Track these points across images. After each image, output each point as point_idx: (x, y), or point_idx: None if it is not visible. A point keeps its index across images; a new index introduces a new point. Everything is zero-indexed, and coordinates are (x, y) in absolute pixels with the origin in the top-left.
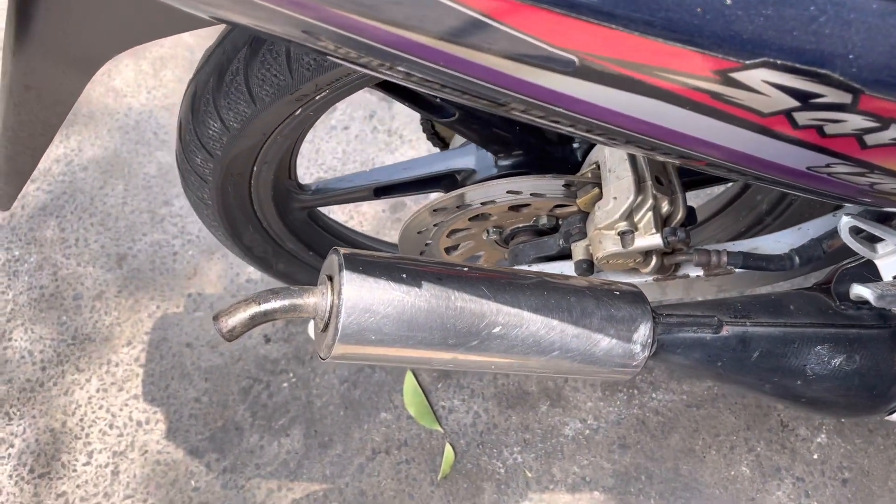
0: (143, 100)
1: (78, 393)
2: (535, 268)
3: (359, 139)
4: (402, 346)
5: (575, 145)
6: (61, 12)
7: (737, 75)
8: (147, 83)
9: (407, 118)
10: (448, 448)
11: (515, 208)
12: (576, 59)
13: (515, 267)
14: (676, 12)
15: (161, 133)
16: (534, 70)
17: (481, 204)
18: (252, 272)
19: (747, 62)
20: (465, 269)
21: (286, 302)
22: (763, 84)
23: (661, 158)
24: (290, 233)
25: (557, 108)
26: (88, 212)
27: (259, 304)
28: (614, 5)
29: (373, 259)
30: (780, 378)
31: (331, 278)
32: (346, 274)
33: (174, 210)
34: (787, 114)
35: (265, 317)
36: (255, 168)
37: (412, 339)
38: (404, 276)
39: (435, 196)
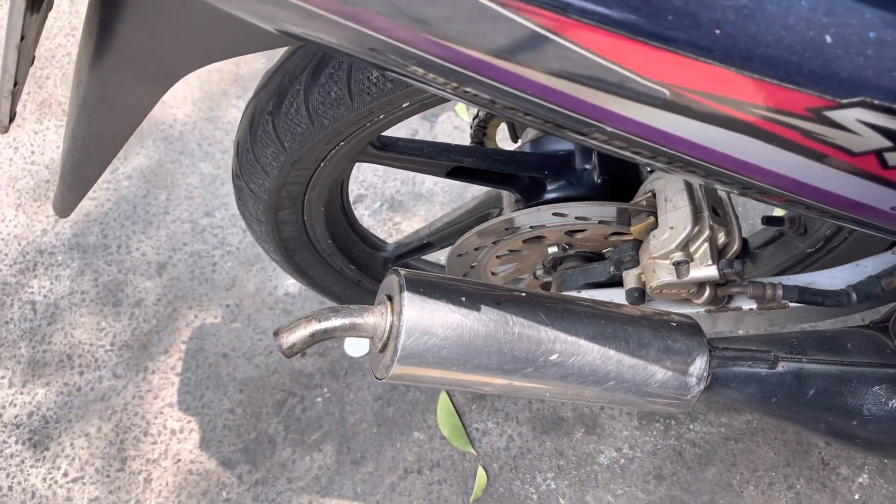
0: (188, 111)
1: (114, 399)
2: (584, 294)
3: None
4: (458, 370)
5: (589, 166)
6: (144, 28)
7: (831, 114)
8: (192, 95)
9: (448, 138)
10: (481, 471)
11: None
12: (667, 92)
13: (568, 293)
14: (775, 49)
15: (205, 144)
16: (623, 101)
17: (530, 228)
18: (290, 285)
19: (843, 101)
20: (523, 294)
21: (346, 321)
22: (857, 123)
23: (738, 193)
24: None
25: (642, 140)
26: (131, 220)
27: (319, 321)
28: (712, 41)
29: (433, 281)
30: (836, 417)
31: (390, 298)
32: (406, 295)
33: (215, 221)
34: (878, 153)
35: (325, 334)
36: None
37: (469, 364)
38: (463, 299)
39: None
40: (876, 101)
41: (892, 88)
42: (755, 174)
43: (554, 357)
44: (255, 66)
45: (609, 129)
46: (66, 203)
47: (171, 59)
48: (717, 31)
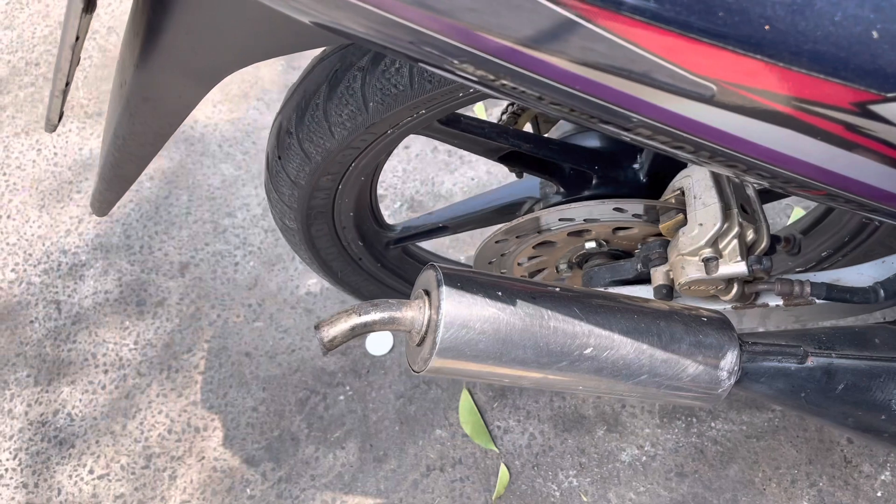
0: (209, 112)
1: (138, 397)
2: (611, 291)
3: (419, 158)
4: (494, 363)
5: (636, 166)
6: (192, 28)
7: (876, 107)
8: (212, 96)
9: None
10: (503, 468)
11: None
12: (715, 88)
13: (602, 290)
14: (823, 45)
15: (225, 146)
16: (670, 97)
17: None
18: (312, 284)
19: (889, 94)
20: (558, 289)
21: (385, 314)
22: None
23: (776, 187)
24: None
25: (687, 135)
26: (153, 220)
27: (360, 315)
28: (761, 36)
29: (469, 276)
30: (865, 412)
31: (427, 293)
32: (444, 289)
33: (237, 221)
34: None
35: (364, 328)
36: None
37: (505, 357)
38: (500, 293)
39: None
40: None
41: None
42: (797, 168)
43: (588, 351)
44: (275, 68)
45: (655, 123)
46: (104, 202)
47: (217, 59)
48: (767, 27)
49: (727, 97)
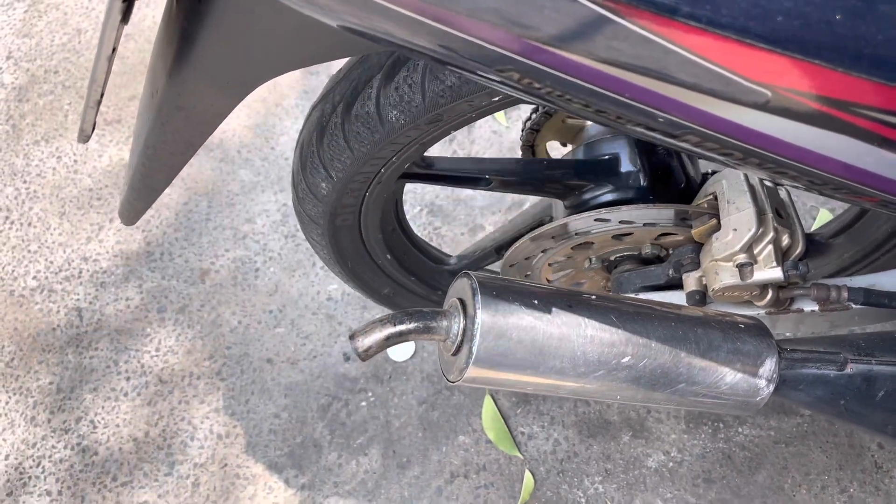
0: (227, 119)
1: (160, 404)
2: (641, 297)
3: None
4: (531, 373)
5: (635, 168)
6: (227, 36)
7: None
8: None
9: (486, 143)
10: (528, 475)
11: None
12: (769, 94)
13: (637, 296)
14: (886, 49)
15: (244, 151)
16: (721, 103)
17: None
18: (333, 290)
19: None
20: (594, 297)
21: (420, 324)
22: None
23: (826, 193)
24: None
25: (736, 142)
26: (173, 227)
27: (395, 325)
28: (821, 41)
29: (505, 284)
30: None
31: (462, 302)
32: (480, 298)
33: (256, 227)
34: None
35: (399, 337)
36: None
37: (542, 366)
38: (535, 301)
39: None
40: None
41: None
42: (851, 174)
43: (626, 360)
44: (293, 74)
45: (704, 131)
46: (133, 211)
47: (252, 68)
48: (827, 32)
49: (782, 103)
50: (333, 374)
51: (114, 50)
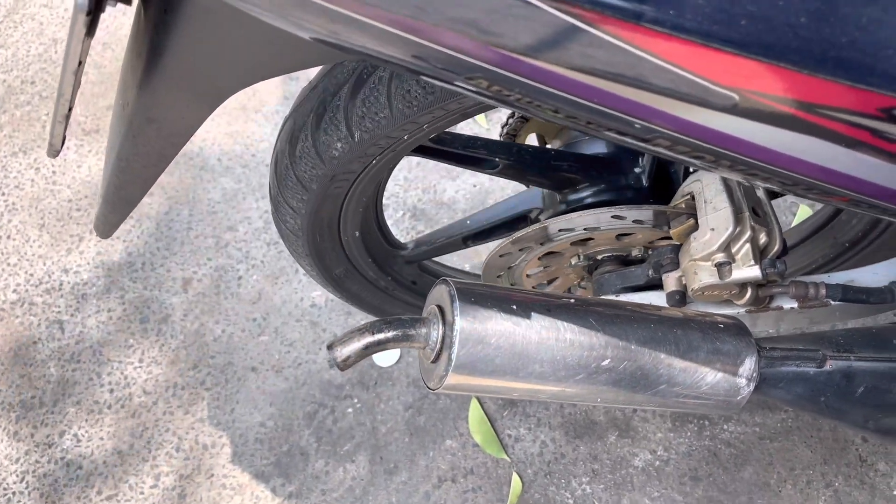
0: (207, 126)
1: (145, 416)
2: (622, 298)
3: (420, 166)
4: (511, 378)
5: (637, 170)
6: (197, 47)
7: None
8: None
9: None
10: (515, 477)
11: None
12: (736, 97)
13: (612, 298)
14: (849, 51)
15: (224, 159)
16: (690, 107)
17: (559, 231)
18: (316, 297)
19: None
20: (573, 300)
21: (399, 332)
22: None
23: (799, 193)
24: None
25: (706, 145)
26: (154, 237)
27: (373, 333)
28: (785, 44)
29: (483, 290)
30: (885, 414)
31: (440, 309)
32: (458, 305)
33: (238, 235)
34: None
35: (378, 346)
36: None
37: (522, 371)
38: (514, 307)
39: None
40: None
41: None
42: (820, 175)
43: (606, 363)
44: (272, 81)
45: (675, 135)
46: (108, 224)
47: (222, 78)
48: (791, 35)
49: (750, 106)
50: (319, 381)
51: (80, 63)
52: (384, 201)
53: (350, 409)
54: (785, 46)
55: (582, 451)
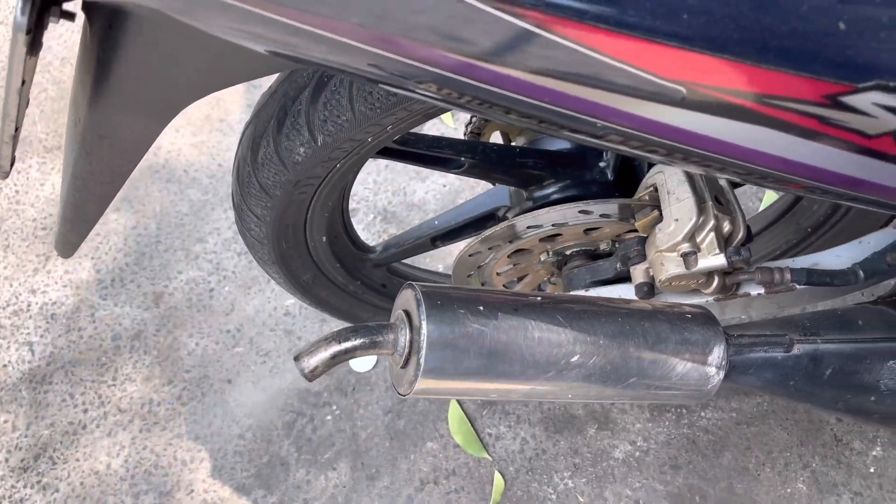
0: (172, 138)
1: (121, 434)
2: (592, 292)
3: (389, 169)
4: (482, 380)
5: (602, 164)
6: (143, 63)
7: (847, 99)
8: (175, 122)
9: None
10: (497, 476)
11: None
12: (684, 90)
13: (581, 293)
14: (791, 40)
15: (191, 170)
16: (639, 102)
17: (527, 228)
18: (290, 305)
19: (859, 86)
20: (539, 298)
21: (366, 339)
22: (873, 106)
23: (753, 182)
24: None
25: (658, 139)
26: (123, 252)
27: (340, 342)
28: (727, 36)
29: (449, 293)
30: (853, 395)
31: (407, 314)
32: (425, 309)
33: (208, 247)
34: (894, 135)
35: (346, 355)
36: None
37: (492, 372)
38: (481, 308)
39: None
40: (891, 84)
41: None
42: (773, 164)
43: (575, 359)
44: (237, 88)
45: (625, 130)
46: (68, 243)
47: (172, 93)
48: (733, 27)
49: (697, 98)
50: (296, 390)
51: (24, 82)
52: (353, 205)
53: (329, 417)
54: (727, 38)
55: (562, 445)
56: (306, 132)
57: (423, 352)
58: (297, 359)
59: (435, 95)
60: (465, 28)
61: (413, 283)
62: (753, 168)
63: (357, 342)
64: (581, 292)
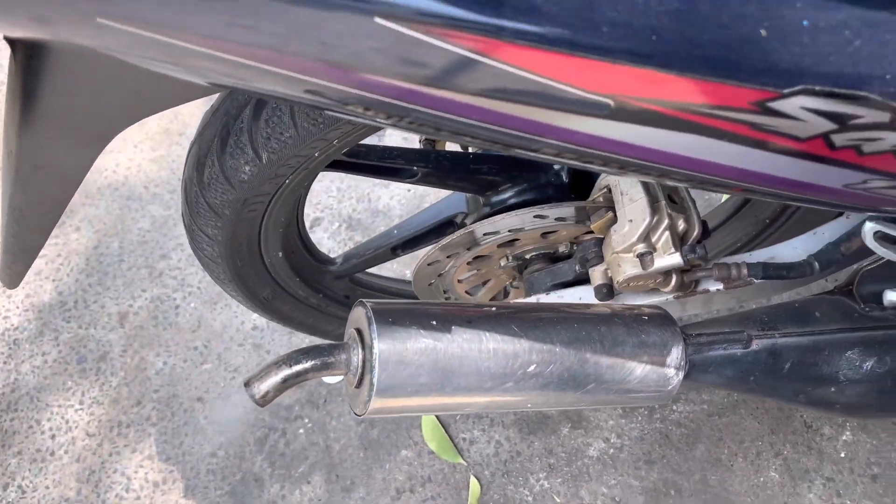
0: (130, 154)
1: (90, 459)
2: (553, 295)
3: (352, 176)
4: (438, 395)
5: (556, 167)
6: (69, 91)
7: (775, 104)
8: (133, 137)
9: None
10: (473, 481)
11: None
12: (611, 103)
13: (539, 300)
14: (713, 49)
15: (151, 186)
16: (568, 116)
17: (484, 234)
18: (257, 319)
19: (785, 91)
20: (493, 308)
21: (317, 361)
22: (801, 111)
23: (696, 188)
24: None
25: (592, 151)
26: (85, 273)
27: (290, 365)
28: (649, 47)
29: (401, 308)
30: (814, 387)
31: (359, 332)
32: (376, 327)
33: (172, 263)
34: (825, 136)
35: (297, 378)
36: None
37: (448, 387)
38: (434, 322)
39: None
40: (817, 88)
41: (830, 73)
42: (709, 170)
43: (532, 368)
44: (195, 102)
45: (557, 143)
46: (13, 274)
47: (102, 120)
48: (653, 37)
49: (625, 110)
50: (267, 405)
51: None
52: (317, 214)
53: (301, 430)
54: (650, 50)
55: (537, 446)
56: (250, 150)
57: (376, 371)
58: (247, 385)
59: (364, 117)
60: (394, 54)
61: (364, 300)
62: (691, 174)
63: (308, 364)
64: (542, 296)
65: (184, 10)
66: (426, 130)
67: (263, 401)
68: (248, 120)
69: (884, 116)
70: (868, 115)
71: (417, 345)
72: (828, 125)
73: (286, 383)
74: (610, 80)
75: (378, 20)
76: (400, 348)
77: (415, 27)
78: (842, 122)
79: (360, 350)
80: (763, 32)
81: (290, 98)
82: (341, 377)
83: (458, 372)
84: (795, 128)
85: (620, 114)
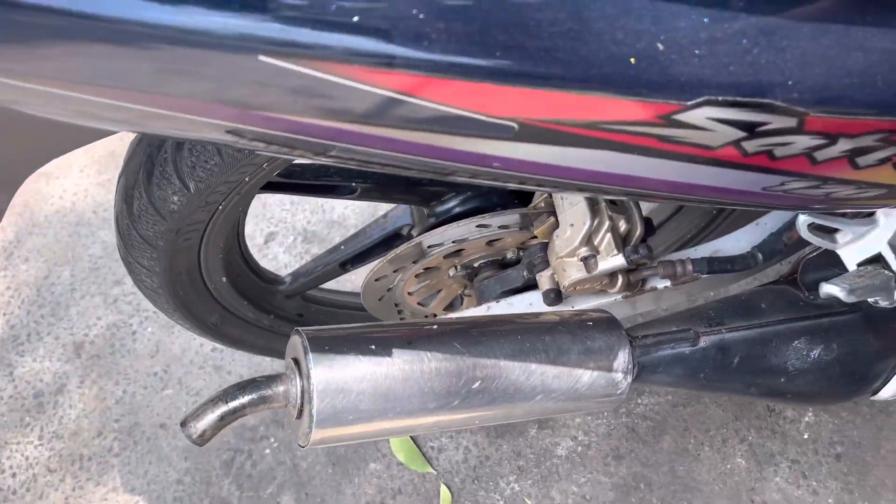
0: (76, 179)
1: (53, 495)
2: (503, 302)
3: None
4: (382, 420)
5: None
6: None
7: (680, 116)
8: (78, 161)
9: None
10: (444, 489)
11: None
12: (515, 125)
13: (489, 307)
14: (611, 66)
15: (100, 211)
16: (474, 140)
17: (429, 247)
18: None
19: (689, 103)
20: (434, 326)
21: (254, 395)
22: (707, 121)
23: (620, 199)
24: None
25: (504, 171)
26: (36, 304)
27: (227, 402)
28: (546, 69)
29: (338, 334)
30: (764, 379)
31: (297, 361)
32: (312, 356)
33: (126, 288)
34: (736, 144)
35: (234, 414)
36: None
37: (392, 411)
38: (373, 346)
39: None
40: (720, 98)
41: (732, 83)
42: (627, 183)
43: (477, 385)
44: None
45: (468, 167)
46: None
47: (8, 166)
48: (548, 59)
49: (529, 131)
50: (232, 427)
51: None
52: (272, 228)
53: (268, 450)
54: (545, 71)
55: (505, 450)
56: (177, 180)
57: (315, 401)
58: (183, 424)
59: (286, 154)
60: (288, 90)
61: (300, 328)
62: (608, 188)
63: (245, 399)
64: (493, 303)
65: (70, 62)
66: (348, 163)
67: (201, 440)
68: (172, 150)
69: (790, 121)
70: (775, 120)
71: (357, 371)
72: (736, 133)
73: (223, 421)
74: (510, 104)
75: (262, 58)
76: (339, 376)
77: (302, 63)
78: (750, 129)
79: (298, 380)
80: (660, 46)
81: (212, 141)
82: None
83: (401, 395)
84: (705, 137)
85: (526, 135)
